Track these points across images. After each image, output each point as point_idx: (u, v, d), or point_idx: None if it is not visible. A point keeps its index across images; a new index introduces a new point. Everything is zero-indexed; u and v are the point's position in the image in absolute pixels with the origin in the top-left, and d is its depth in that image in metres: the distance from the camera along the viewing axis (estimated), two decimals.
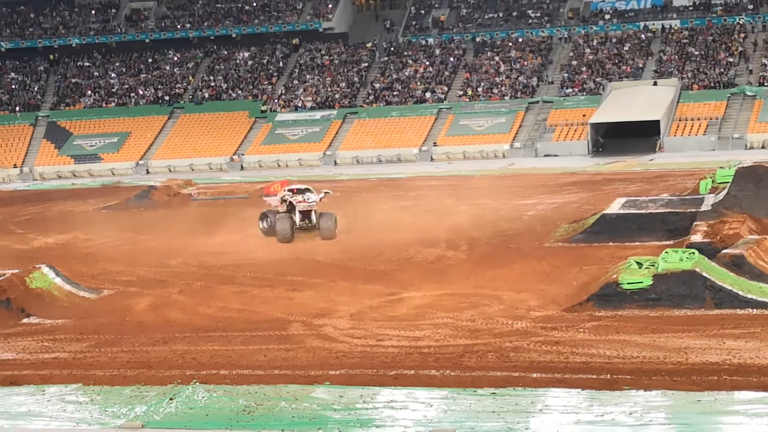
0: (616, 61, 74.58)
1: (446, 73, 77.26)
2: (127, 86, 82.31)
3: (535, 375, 20.93)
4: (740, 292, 25.30)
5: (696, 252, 26.40)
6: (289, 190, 39.63)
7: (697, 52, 73.65)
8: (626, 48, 75.74)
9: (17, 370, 23.40)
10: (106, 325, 27.10)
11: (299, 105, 76.97)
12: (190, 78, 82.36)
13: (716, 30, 75.34)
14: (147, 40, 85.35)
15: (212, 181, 63.11)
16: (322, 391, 20.67)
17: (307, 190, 39.54)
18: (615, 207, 37.23)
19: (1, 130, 79.98)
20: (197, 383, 21.20)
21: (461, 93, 74.99)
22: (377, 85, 77.36)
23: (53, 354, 24.71)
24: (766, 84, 69.01)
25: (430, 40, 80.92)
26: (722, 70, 71.20)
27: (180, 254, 37.21)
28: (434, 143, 70.94)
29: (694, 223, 32.70)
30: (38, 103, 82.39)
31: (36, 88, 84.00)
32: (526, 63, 76.50)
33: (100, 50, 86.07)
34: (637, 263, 26.46)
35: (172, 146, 75.83)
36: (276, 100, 77.93)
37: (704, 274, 25.54)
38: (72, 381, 22.31)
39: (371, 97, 76.41)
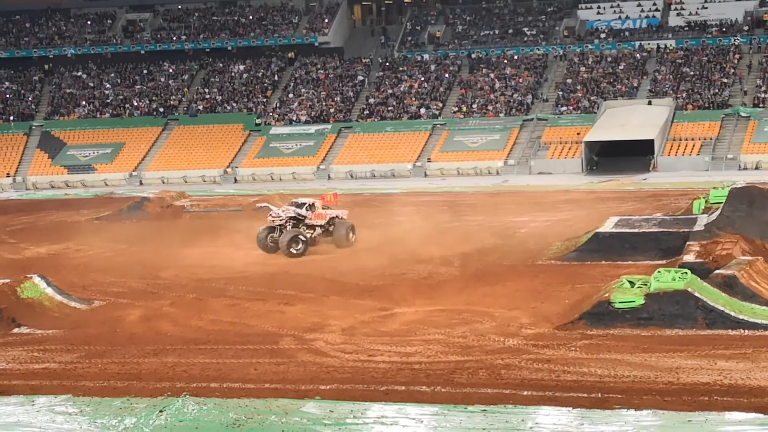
0: (611, 80, 74.75)
1: (441, 89, 77.39)
2: (121, 97, 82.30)
3: (526, 393, 20.91)
4: (732, 313, 25.31)
5: (688, 272, 26.40)
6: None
7: (691, 73, 73.85)
8: (621, 67, 75.93)
9: (7, 380, 23.34)
10: (96, 336, 27.03)
11: (294, 118, 77.02)
12: (185, 90, 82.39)
13: (711, 50, 75.59)
14: (142, 52, 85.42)
15: (205, 194, 63.00)
16: (312, 406, 20.64)
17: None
18: (608, 226, 37.21)
19: None
20: (187, 396, 21.15)
21: (456, 109, 75.07)
22: (372, 100, 77.44)
23: (43, 364, 24.65)
24: (760, 105, 69.20)
25: (426, 56, 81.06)
26: (717, 90, 71.39)
27: (172, 266, 37.15)
28: (428, 159, 70.99)
29: (687, 243, 32.70)
30: (32, 113, 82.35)
31: (30, 98, 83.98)
32: (521, 80, 76.65)
33: (96, 61, 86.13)
34: (630, 282, 26.46)
35: (165, 158, 75.80)
36: (270, 114, 77.97)
37: (696, 294, 25.55)
38: (62, 392, 22.26)
39: (366, 112, 76.48)
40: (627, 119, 68.92)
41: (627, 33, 79.39)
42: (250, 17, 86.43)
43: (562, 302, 28.44)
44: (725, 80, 72.49)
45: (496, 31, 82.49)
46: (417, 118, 75.15)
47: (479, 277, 33.03)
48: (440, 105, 75.87)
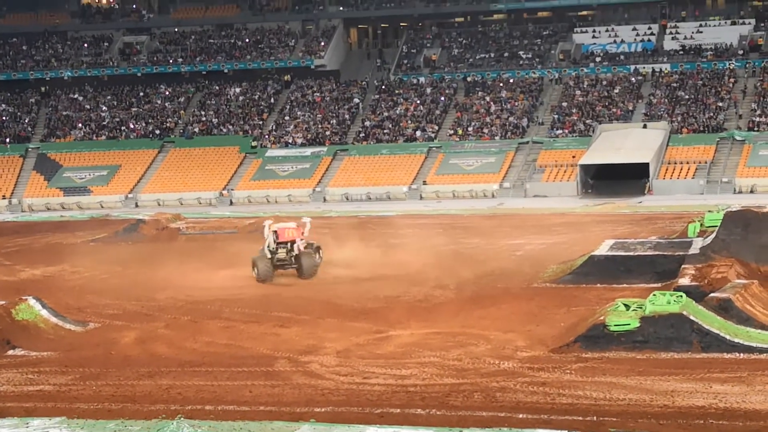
0: (606, 104, 74.90)
1: (437, 112, 77.51)
2: (117, 119, 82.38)
3: (521, 416, 20.88)
4: (727, 336, 25.32)
5: (684, 295, 26.42)
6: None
7: (686, 96, 74.04)
8: (616, 90, 76.11)
9: (1, 403, 23.29)
10: (91, 359, 26.99)
11: (290, 141, 77.08)
12: (182, 112, 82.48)
13: (706, 74, 75.80)
14: (139, 74, 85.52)
15: (201, 216, 62.99)
16: (307, 429, 20.58)
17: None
18: (603, 249, 37.24)
19: None
20: (182, 418, 21.08)
21: (452, 132, 75.20)
22: (368, 123, 77.55)
23: (38, 386, 24.59)
24: (755, 129, 69.34)
25: (422, 79, 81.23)
26: (711, 114, 71.56)
27: (167, 288, 37.12)
28: (424, 182, 71.03)
29: (682, 266, 32.73)
30: (28, 135, 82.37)
31: (27, 120, 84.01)
32: (516, 103, 76.80)
33: (92, 83, 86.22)
34: (625, 305, 26.46)
35: (161, 180, 75.81)
36: (266, 136, 78.04)
37: (691, 317, 25.56)
38: (56, 414, 22.20)
39: (361, 135, 76.58)
40: (622, 142, 69.03)
41: (622, 57, 79.63)
42: (247, 40, 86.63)
43: (558, 325, 28.43)
44: (720, 104, 72.67)
45: (492, 55, 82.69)
46: (413, 140, 75.25)
47: (475, 300, 33.03)
48: (436, 128, 75.97)
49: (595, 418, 20.53)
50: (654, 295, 26.45)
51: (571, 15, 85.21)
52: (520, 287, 35.21)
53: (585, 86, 77.15)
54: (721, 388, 22.04)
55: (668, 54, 78.70)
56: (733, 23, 79.80)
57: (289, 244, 38.43)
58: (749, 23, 79.52)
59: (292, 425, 20.77)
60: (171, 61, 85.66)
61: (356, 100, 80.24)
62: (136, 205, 73.03)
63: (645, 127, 71.24)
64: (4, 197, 75.97)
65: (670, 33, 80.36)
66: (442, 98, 78.67)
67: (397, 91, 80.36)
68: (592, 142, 70.87)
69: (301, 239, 38.94)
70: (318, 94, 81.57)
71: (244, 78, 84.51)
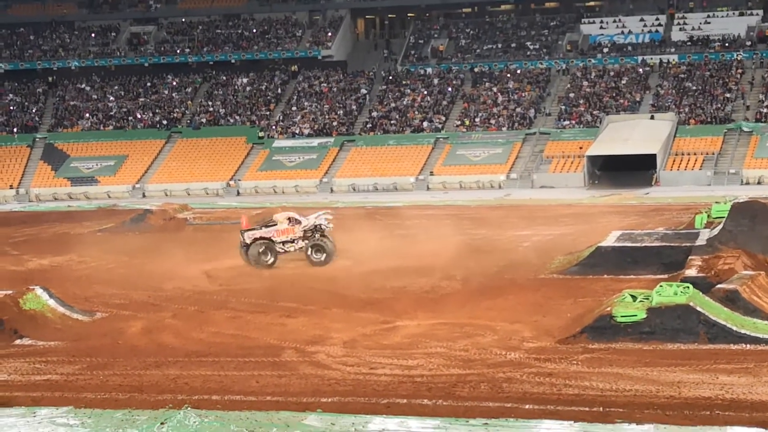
0: (614, 95, 74.82)
1: (444, 102, 77.48)
2: (125, 110, 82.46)
3: (527, 406, 20.89)
4: (734, 328, 25.30)
5: (690, 286, 26.38)
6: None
7: (694, 87, 73.94)
8: (624, 81, 76.01)
9: (8, 392, 23.33)
10: (98, 348, 27.03)
11: (297, 132, 77.11)
12: (189, 103, 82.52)
13: (714, 65, 75.68)
14: (146, 64, 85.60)
15: (208, 206, 63.07)
16: (314, 419, 20.61)
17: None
18: (610, 240, 37.20)
19: None
20: (189, 408, 21.12)
21: (458, 123, 75.16)
22: (375, 114, 77.53)
23: (45, 376, 24.64)
24: (762, 120, 69.24)
25: (429, 70, 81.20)
26: (719, 105, 71.46)
27: (174, 278, 37.14)
28: (431, 172, 71.05)
29: (689, 257, 32.68)
30: (36, 125, 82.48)
31: (34, 110, 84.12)
32: (523, 94, 76.75)
33: (99, 73, 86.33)
34: (632, 296, 26.45)
35: (168, 170, 75.89)
36: (274, 127, 78.08)
37: (698, 308, 25.53)
38: (63, 403, 22.24)
39: (368, 125, 76.56)
40: (629, 134, 68.97)
41: (629, 47, 79.53)
42: (254, 30, 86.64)
43: (564, 316, 28.43)
44: (728, 95, 72.57)
45: (499, 45, 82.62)
46: (420, 131, 75.24)
47: (481, 291, 33.02)
48: (443, 118, 75.97)
49: (601, 408, 20.54)
50: (661, 286, 26.43)
51: (579, 5, 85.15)
52: (526, 278, 35.20)
53: (592, 77, 77.08)
54: (727, 379, 22.04)
55: (676, 45, 78.60)
56: (741, 14, 79.66)
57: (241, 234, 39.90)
58: (757, 14, 79.37)
59: (299, 415, 20.80)
60: (178, 51, 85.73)
61: (363, 91, 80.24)
62: (144, 196, 73.16)
63: (652, 118, 71.18)
64: (11, 187, 76.13)
65: (678, 24, 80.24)
66: (449, 89, 78.65)
67: (404, 82, 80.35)
68: (599, 133, 70.85)
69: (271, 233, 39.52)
70: (325, 85, 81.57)
71: (251, 68, 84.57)
